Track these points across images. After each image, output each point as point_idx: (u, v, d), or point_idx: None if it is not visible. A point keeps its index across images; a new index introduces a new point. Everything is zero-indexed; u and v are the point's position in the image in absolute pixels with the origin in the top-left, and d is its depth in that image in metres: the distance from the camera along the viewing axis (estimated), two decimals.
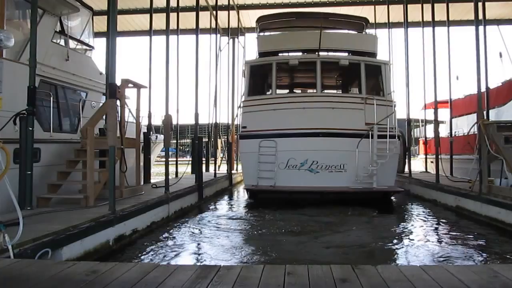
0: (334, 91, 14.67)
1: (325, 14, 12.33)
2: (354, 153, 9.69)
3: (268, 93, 11.66)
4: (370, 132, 9.75)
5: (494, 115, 12.02)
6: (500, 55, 14.08)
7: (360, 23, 12.71)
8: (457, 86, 18.17)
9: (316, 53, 10.80)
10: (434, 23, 10.90)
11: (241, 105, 11.30)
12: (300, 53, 11.54)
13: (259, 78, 11.86)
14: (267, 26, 12.76)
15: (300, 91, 14.82)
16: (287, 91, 14.12)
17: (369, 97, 10.16)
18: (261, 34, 12.36)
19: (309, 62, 11.07)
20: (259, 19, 12.70)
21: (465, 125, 12.94)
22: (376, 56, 11.58)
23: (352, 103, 10.38)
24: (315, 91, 12.33)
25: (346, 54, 11.49)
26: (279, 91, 12.49)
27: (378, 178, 9.75)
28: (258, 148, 10.02)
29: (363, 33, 12.64)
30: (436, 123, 10.48)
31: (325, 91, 13.42)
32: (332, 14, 13.07)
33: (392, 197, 10.73)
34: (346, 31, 12.87)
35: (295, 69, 12.16)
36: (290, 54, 11.66)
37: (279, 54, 11.65)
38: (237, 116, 17.04)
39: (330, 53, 11.38)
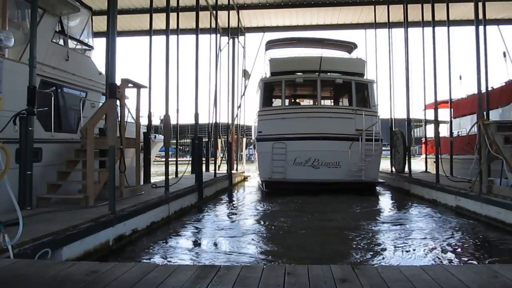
0: (330, 102, 17.65)
1: (322, 39, 15.60)
2: (347, 153, 11.98)
3: (278, 104, 14.44)
4: (359, 137, 12.00)
5: (498, 115, 12.02)
6: (504, 54, 14.07)
7: (350, 46, 15.75)
8: (461, 86, 18.18)
9: (317, 73, 13.16)
10: (434, 23, 10.89)
11: (257, 114, 13.62)
12: (301, 73, 13.81)
13: (271, 92, 14.65)
14: (274, 47, 15.81)
15: (303, 102, 17.26)
16: (293, 101, 16.06)
17: (359, 109, 12.50)
18: (273, 57, 14.72)
19: (311, 80, 13.68)
20: (268, 42, 15.78)
21: (469, 124, 12.93)
22: (363, 76, 13.98)
23: (345, 113, 12.78)
24: (311, 102, 17.02)
25: (340, 74, 13.82)
26: (287, 102, 14.74)
27: (365, 172, 12.03)
28: (272, 148, 12.17)
29: (353, 52, 15.68)
30: (436, 123, 10.48)
31: (323, 102, 16.40)
32: (327, 39, 15.85)
33: (377, 187, 12.93)
34: (339, 51, 15.81)
35: (299, 85, 14.90)
36: (296, 73, 13.93)
37: (288, 74, 13.87)
38: (237, 116, 17.20)
39: (328, 74, 13.75)
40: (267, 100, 14.29)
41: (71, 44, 9.11)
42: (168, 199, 7.72)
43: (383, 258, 5.15)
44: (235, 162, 18.44)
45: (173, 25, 10.62)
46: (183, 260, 5.12)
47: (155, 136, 11.90)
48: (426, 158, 16.36)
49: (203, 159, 13.83)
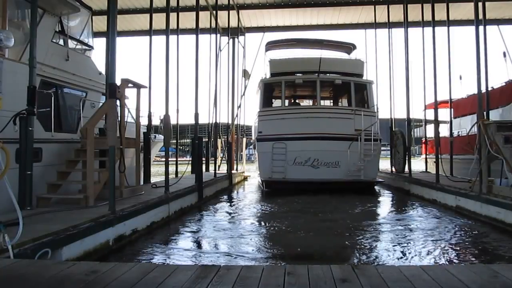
0: (329, 103, 17.82)
1: (321, 40, 15.77)
2: (346, 152, 12.13)
3: (278, 105, 14.74)
4: (358, 137, 12.19)
5: (498, 115, 12.02)
6: (504, 54, 14.09)
7: (349, 47, 15.88)
8: (461, 86, 18.22)
9: (316, 74, 13.34)
10: (434, 23, 10.89)
11: (257, 115, 13.76)
12: (301, 74, 13.98)
13: (271, 93, 14.85)
14: (273, 48, 15.95)
15: (303, 103, 17.50)
16: (293, 102, 16.25)
17: (357, 109, 12.68)
18: (273, 58, 14.85)
19: (311, 81, 13.84)
20: (268, 43, 15.88)
21: (469, 125, 12.95)
22: (362, 77, 14.08)
23: (344, 114, 12.93)
24: (311, 102, 17.19)
25: (339, 75, 13.97)
26: (286, 103, 14.96)
27: (364, 172, 12.25)
28: (272, 148, 12.32)
29: (352, 53, 15.77)
30: (436, 123, 10.48)
31: (322, 102, 16.57)
32: (327, 40, 15.95)
33: (377, 187, 13.17)
34: (338, 52, 15.87)
35: (299, 86, 15.11)
36: (296, 74, 14.08)
37: (287, 75, 14.00)
38: (237, 116, 17.22)
39: (327, 74, 13.92)
40: (267, 100, 14.49)
41: (71, 44, 9.11)
42: (168, 199, 7.72)
43: (383, 258, 5.15)
44: (235, 162, 18.44)
45: (173, 25, 10.62)
46: (183, 260, 5.12)
47: (155, 136, 11.92)
48: (426, 158, 16.37)
49: (203, 159, 13.84)
